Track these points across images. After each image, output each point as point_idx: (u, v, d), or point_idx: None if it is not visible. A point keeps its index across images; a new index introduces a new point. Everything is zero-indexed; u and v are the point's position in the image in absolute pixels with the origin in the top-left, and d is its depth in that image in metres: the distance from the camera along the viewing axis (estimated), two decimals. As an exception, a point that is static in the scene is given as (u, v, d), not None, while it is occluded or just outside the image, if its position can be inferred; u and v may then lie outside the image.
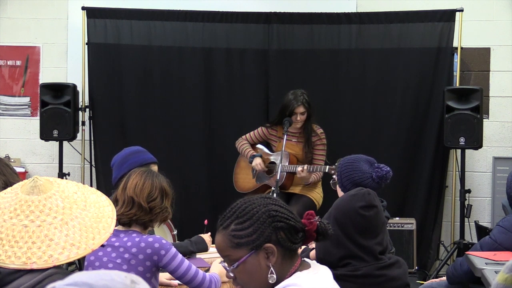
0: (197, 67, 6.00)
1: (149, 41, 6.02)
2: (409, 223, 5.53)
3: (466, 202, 5.75)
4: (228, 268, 1.89)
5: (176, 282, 3.11)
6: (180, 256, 2.86)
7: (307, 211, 1.96)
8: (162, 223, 3.11)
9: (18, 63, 6.31)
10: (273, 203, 1.91)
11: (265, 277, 1.86)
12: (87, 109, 6.06)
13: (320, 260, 2.75)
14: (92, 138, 6.08)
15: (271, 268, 1.85)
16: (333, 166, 4.68)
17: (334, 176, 3.53)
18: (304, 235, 1.92)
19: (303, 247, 3.48)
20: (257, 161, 5.34)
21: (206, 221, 3.97)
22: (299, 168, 5.04)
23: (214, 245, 4.02)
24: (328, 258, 2.70)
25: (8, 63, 6.31)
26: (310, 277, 1.87)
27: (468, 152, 5.92)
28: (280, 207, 1.90)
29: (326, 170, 4.97)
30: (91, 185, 5.91)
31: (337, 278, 2.53)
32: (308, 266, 1.93)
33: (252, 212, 1.87)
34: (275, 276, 1.85)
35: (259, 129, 5.47)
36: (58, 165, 6.01)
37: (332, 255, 2.70)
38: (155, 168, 3.57)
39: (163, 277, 3.15)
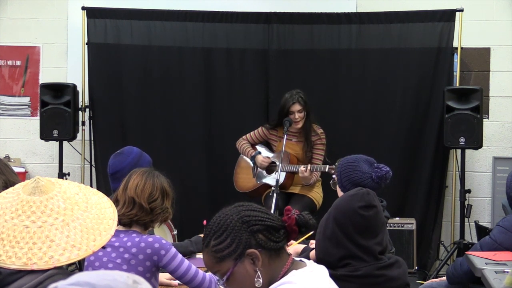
0: (197, 67, 6.01)
1: (149, 41, 6.02)
2: (409, 223, 5.54)
3: (466, 202, 5.75)
4: (220, 282, 1.91)
5: (176, 282, 3.11)
6: (180, 256, 2.86)
7: (285, 207, 1.98)
8: (162, 223, 3.11)
9: (18, 63, 6.31)
10: (245, 209, 1.92)
11: (253, 281, 1.88)
12: (87, 109, 6.07)
13: (320, 260, 2.75)
14: (92, 138, 6.08)
15: (258, 273, 1.86)
16: (333, 166, 4.68)
17: (334, 176, 3.54)
18: (287, 232, 1.93)
19: (302, 246, 3.48)
20: (260, 159, 5.35)
21: (204, 222, 3.97)
22: (302, 168, 5.04)
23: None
24: (328, 258, 2.70)
25: (8, 63, 6.31)
26: (306, 275, 1.88)
27: (468, 152, 5.92)
28: (252, 211, 1.91)
29: (326, 170, 4.97)
30: (91, 185, 5.91)
31: (337, 278, 2.54)
32: (303, 265, 1.94)
33: (226, 224, 1.88)
34: (261, 280, 1.87)
35: (260, 129, 5.47)
36: (58, 165, 6.01)
37: (331, 255, 2.70)
38: None
39: (163, 277, 3.15)
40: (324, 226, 2.75)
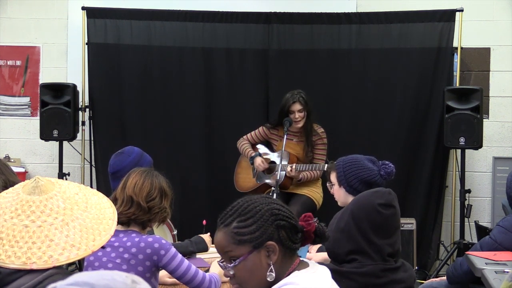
0: (197, 67, 6.00)
1: (149, 41, 6.02)
2: (409, 223, 5.52)
3: (466, 202, 5.75)
4: (227, 266, 1.89)
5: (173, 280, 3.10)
6: (179, 256, 2.85)
7: (304, 213, 1.98)
8: (161, 224, 3.10)
9: (18, 63, 6.31)
10: (274, 202, 1.93)
11: (265, 275, 1.87)
12: (87, 109, 6.07)
13: (329, 250, 2.75)
14: (92, 138, 6.08)
15: (271, 266, 1.86)
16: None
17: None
18: (303, 236, 1.94)
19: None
20: (258, 162, 5.35)
21: (204, 222, 3.98)
22: (288, 169, 5.09)
23: (213, 245, 4.03)
24: (337, 250, 2.70)
25: (8, 63, 6.31)
26: (308, 276, 1.87)
27: (468, 152, 5.92)
28: (281, 206, 1.93)
29: (325, 169, 4.97)
30: (91, 185, 5.93)
31: (341, 275, 2.54)
32: (306, 265, 1.94)
33: (255, 210, 1.88)
34: (273, 274, 1.86)
35: (260, 128, 5.47)
36: (58, 165, 6.01)
37: (341, 247, 2.70)
38: None
39: (165, 276, 3.15)
40: (339, 218, 2.75)
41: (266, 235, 1.86)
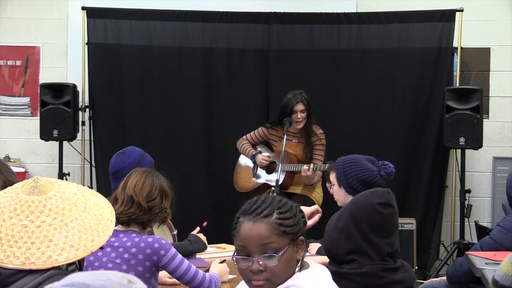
0: (197, 67, 6.01)
1: (149, 41, 6.02)
2: (409, 223, 5.53)
3: (466, 202, 5.75)
4: (261, 258, 1.82)
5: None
6: (179, 256, 2.85)
7: None
8: (161, 224, 3.10)
9: (18, 63, 6.31)
10: None
11: (293, 270, 1.87)
12: (87, 109, 6.07)
13: (327, 251, 2.75)
14: (92, 138, 6.08)
15: (300, 262, 1.89)
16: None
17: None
18: None
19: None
20: (260, 158, 5.35)
21: (205, 223, 3.98)
22: (305, 167, 5.02)
23: (213, 245, 4.02)
24: (336, 250, 2.70)
25: (8, 63, 6.31)
26: (310, 277, 1.87)
27: (468, 152, 5.92)
28: None
29: (326, 169, 4.96)
30: (91, 185, 5.93)
31: (341, 276, 2.54)
32: (306, 266, 1.94)
33: (289, 204, 1.92)
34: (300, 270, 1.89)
35: (260, 129, 5.47)
36: (58, 165, 6.01)
37: (340, 247, 2.69)
38: None
39: (165, 277, 3.15)
40: (337, 219, 2.75)
41: (301, 231, 1.90)
